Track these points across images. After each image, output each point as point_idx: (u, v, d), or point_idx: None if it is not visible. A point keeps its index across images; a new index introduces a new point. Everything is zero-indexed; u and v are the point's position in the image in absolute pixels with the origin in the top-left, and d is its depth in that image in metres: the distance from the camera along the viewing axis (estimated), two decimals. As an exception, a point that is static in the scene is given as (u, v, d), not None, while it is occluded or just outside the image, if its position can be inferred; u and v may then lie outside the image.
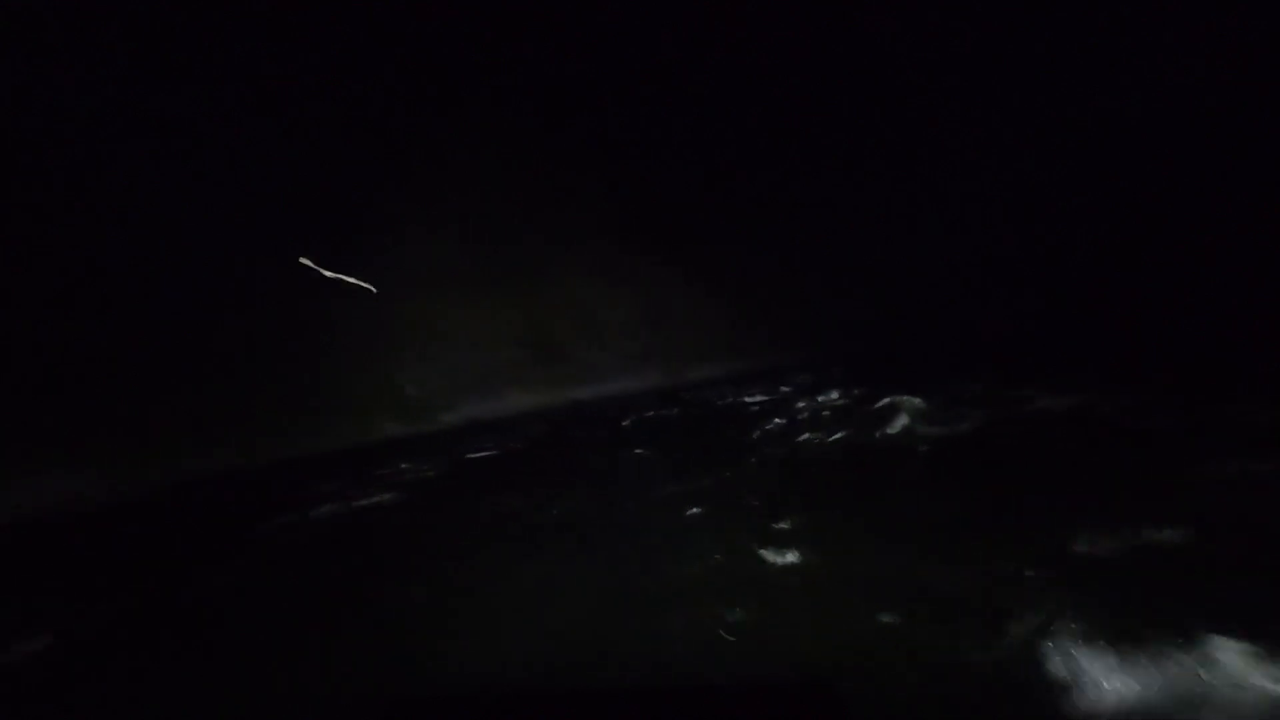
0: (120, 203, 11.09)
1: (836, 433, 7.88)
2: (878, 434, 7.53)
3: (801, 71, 15.88)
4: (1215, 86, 16.03)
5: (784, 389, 12.93)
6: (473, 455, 10.65)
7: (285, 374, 13.06)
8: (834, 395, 10.80)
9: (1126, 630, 2.82)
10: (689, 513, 5.48)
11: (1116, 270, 17.26)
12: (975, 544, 4.02)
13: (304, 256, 12.66)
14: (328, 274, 13.78)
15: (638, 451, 8.61)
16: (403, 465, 10.31)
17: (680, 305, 16.41)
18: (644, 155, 15.87)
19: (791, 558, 4.30)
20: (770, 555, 4.35)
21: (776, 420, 9.25)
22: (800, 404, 10.44)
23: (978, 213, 18.58)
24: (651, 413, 12.58)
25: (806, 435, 7.98)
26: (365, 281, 13.23)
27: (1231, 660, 2.57)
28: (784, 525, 4.83)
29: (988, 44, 16.56)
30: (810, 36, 15.51)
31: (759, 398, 12.12)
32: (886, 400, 8.82)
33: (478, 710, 1.64)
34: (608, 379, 15.14)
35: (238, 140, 11.89)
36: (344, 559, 6.03)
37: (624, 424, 11.75)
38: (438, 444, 12.42)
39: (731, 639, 3.28)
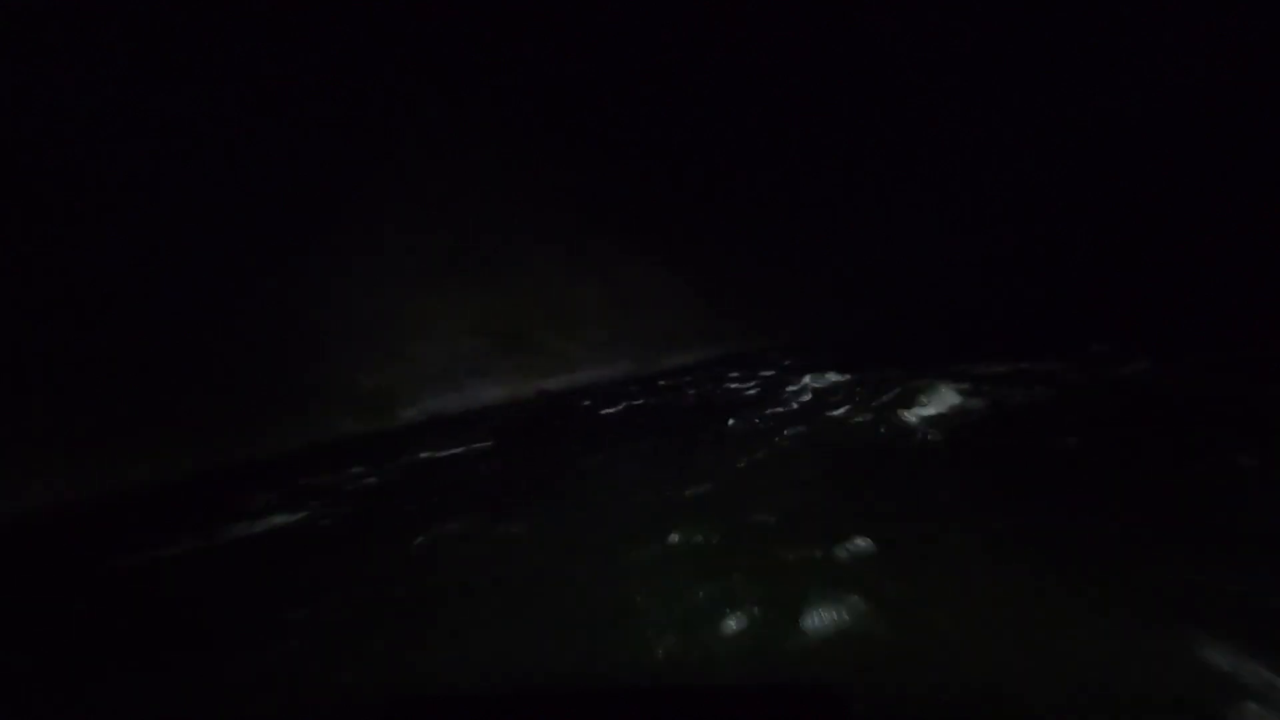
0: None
1: (849, 420, 7.04)
2: (896, 423, 6.62)
3: (775, 55, 15.41)
4: (1215, 86, 15.81)
5: (765, 373, 12.02)
6: (432, 456, 9.46)
7: (228, 369, 12.10)
8: (830, 378, 10.01)
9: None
10: (691, 542, 4.09)
11: (1114, 263, 16.96)
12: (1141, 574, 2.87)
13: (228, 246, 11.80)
14: None
15: (622, 449, 7.68)
16: (353, 469, 8.97)
17: (651, 290, 15.76)
18: (609, 138, 15.15)
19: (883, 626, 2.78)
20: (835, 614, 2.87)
21: (772, 409, 8.47)
22: (792, 388, 9.73)
23: (965, 196, 18.45)
24: (627, 403, 11.48)
25: (804, 427, 7.09)
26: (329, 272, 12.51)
27: None
28: (842, 553, 3.47)
29: (958, 24, 16.50)
30: (783, 22, 15.01)
31: (751, 386, 11.12)
32: (897, 389, 7.92)
33: (478, 711, 1.63)
34: (578, 368, 14.46)
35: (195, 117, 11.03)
36: (217, 601, 4.73)
37: (603, 413, 10.71)
38: (397, 442, 11.52)
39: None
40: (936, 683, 2.41)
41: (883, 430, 6.37)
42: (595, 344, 15.12)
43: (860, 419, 6.98)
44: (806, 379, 10.34)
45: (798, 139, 17.27)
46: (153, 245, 11.46)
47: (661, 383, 13.81)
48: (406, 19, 12.89)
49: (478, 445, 10.17)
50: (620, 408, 11.35)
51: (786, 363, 13.35)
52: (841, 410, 7.64)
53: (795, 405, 8.68)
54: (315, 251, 13.24)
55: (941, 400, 7.02)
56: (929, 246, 18.59)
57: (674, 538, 4.22)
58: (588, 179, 15.12)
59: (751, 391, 10.58)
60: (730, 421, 8.12)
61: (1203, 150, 16.46)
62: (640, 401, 11.68)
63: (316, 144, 13.04)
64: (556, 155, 15.43)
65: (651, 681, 2.83)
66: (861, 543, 3.62)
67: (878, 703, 2.36)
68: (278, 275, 13.21)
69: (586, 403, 12.00)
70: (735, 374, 12.81)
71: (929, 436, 5.96)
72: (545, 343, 14.80)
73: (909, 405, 7.04)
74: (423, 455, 9.70)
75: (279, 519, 6.99)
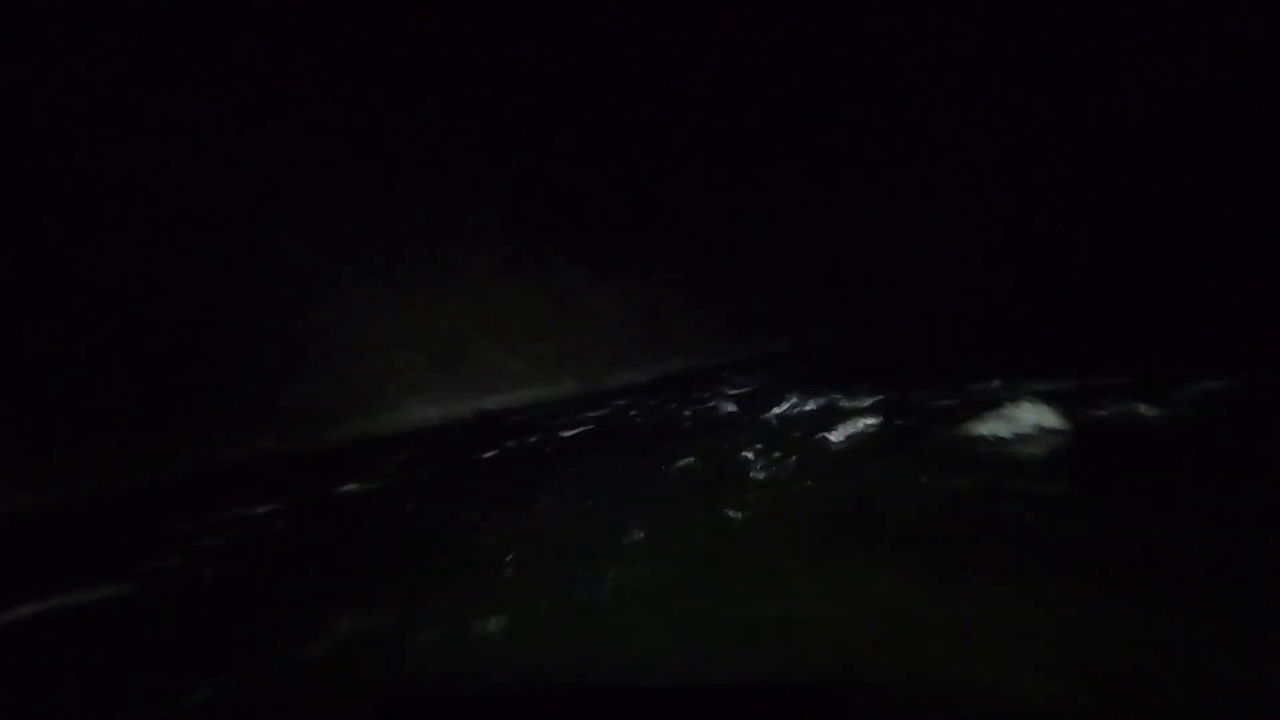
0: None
1: (873, 460, 5.51)
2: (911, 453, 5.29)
3: (719, 51, 14.83)
4: (1216, 86, 15.69)
5: (732, 392, 10.83)
6: (354, 490, 8.33)
7: (135, 381, 10.98)
8: (797, 402, 8.79)
9: None
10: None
11: (1110, 266, 16.77)
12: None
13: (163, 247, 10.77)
14: None
15: (569, 493, 6.28)
16: (258, 508, 7.77)
17: (597, 302, 15.17)
18: (552, 139, 14.37)
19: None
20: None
21: (741, 437, 7.22)
22: (765, 416, 8.34)
23: (953, 199, 18.19)
24: (576, 430, 10.21)
25: (794, 459, 5.80)
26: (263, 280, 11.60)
27: None
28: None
29: (938, 20, 16.29)
30: (744, 18, 14.56)
31: (726, 405, 9.93)
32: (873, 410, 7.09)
33: (478, 711, 1.61)
34: (519, 385, 13.75)
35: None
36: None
37: (548, 443, 9.53)
38: (320, 468, 10.53)
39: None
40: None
41: (924, 480, 4.59)
42: (539, 359, 14.40)
43: (880, 461, 5.40)
44: (785, 403, 8.99)
45: (765, 141, 16.53)
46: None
47: (615, 403, 12.24)
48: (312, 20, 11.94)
49: (397, 476, 8.73)
50: (570, 435, 9.92)
51: (741, 382, 11.94)
52: (843, 441, 6.31)
53: (765, 433, 7.42)
54: (233, 254, 12.11)
55: (1021, 421, 5.36)
56: (914, 252, 18.17)
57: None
58: (529, 183, 14.33)
59: (727, 410, 9.45)
60: (688, 460, 6.69)
61: (1203, 150, 16.30)
62: (590, 427, 10.31)
63: (230, 151, 11.94)
64: (497, 159, 14.62)
65: (651, 682, 2.78)
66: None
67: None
68: (191, 278, 12.05)
69: (532, 438, 10.30)
70: (705, 393, 11.46)
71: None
72: (485, 358, 13.99)
73: (963, 426, 5.65)
74: (343, 489, 8.41)
75: (106, 590, 5.23)
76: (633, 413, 10.94)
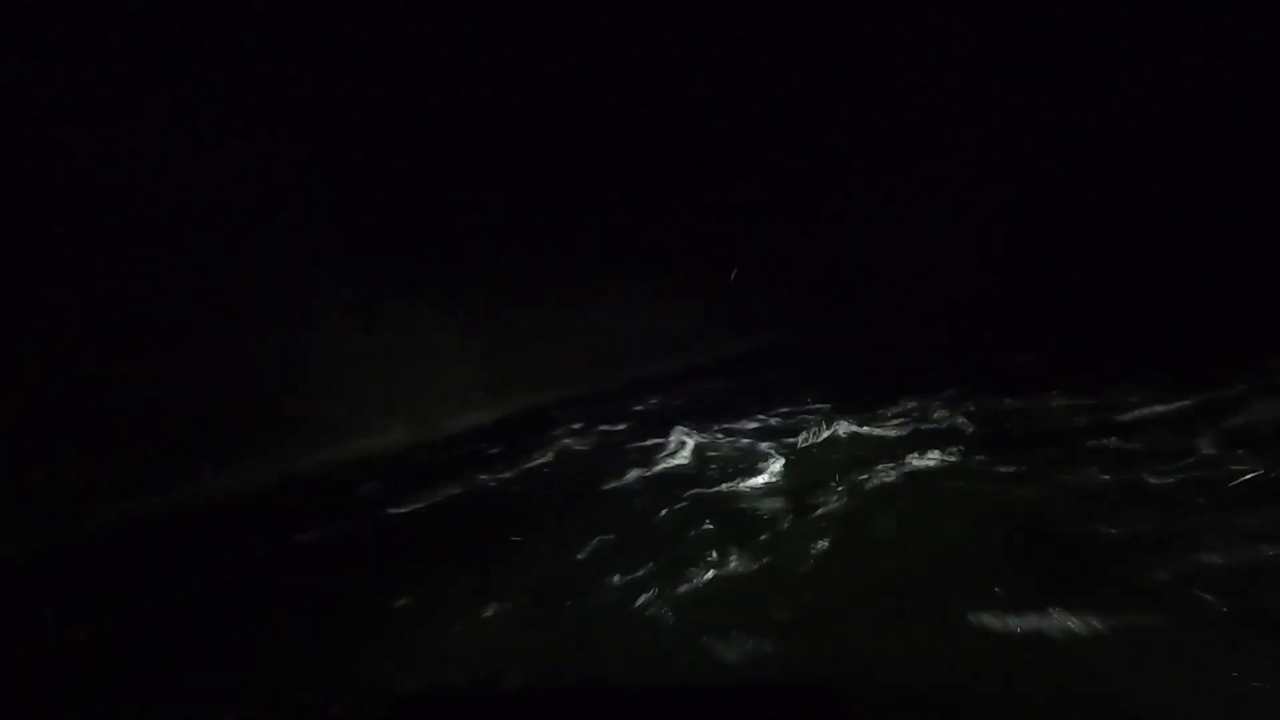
0: None
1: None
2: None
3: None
4: (1215, 86, 15.54)
5: (603, 429, 9.34)
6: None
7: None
8: (682, 440, 7.47)
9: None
10: None
11: (1109, 268, 16.75)
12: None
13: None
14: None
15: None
16: None
17: (427, 337, 13.70)
18: (364, 151, 12.64)
19: None
20: None
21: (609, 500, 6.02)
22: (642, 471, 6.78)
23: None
24: (417, 498, 7.40)
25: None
26: None
27: None
28: None
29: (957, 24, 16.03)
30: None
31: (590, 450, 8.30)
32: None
33: (478, 711, 1.67)
34: (341, 438, 11.95)
35: None
36: None
37: (389, 512, 7.03)
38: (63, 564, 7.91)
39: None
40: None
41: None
42: (364, 406, 12.50)
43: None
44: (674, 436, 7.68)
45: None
46: None
47: (455, 451, 9.81)
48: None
49: (169, 591, 5.81)
50: (405, 510, 7.27)
51: (600, 420, 10.19)
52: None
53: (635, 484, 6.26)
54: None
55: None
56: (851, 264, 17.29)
57: None
58: (338, 200, 12.20)
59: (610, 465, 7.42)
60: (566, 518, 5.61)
61: (1203, 150, 16.23)
62: (442, 486, 7.63)
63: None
64: (306, 170, 12.24)
65: (651, 683, 2.78)
66: None
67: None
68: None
69: (355, 489, 8.34)
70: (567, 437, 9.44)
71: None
72: (293, 408, 11.74)
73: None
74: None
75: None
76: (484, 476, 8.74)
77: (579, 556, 4.90)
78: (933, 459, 5.65)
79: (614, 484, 6.76)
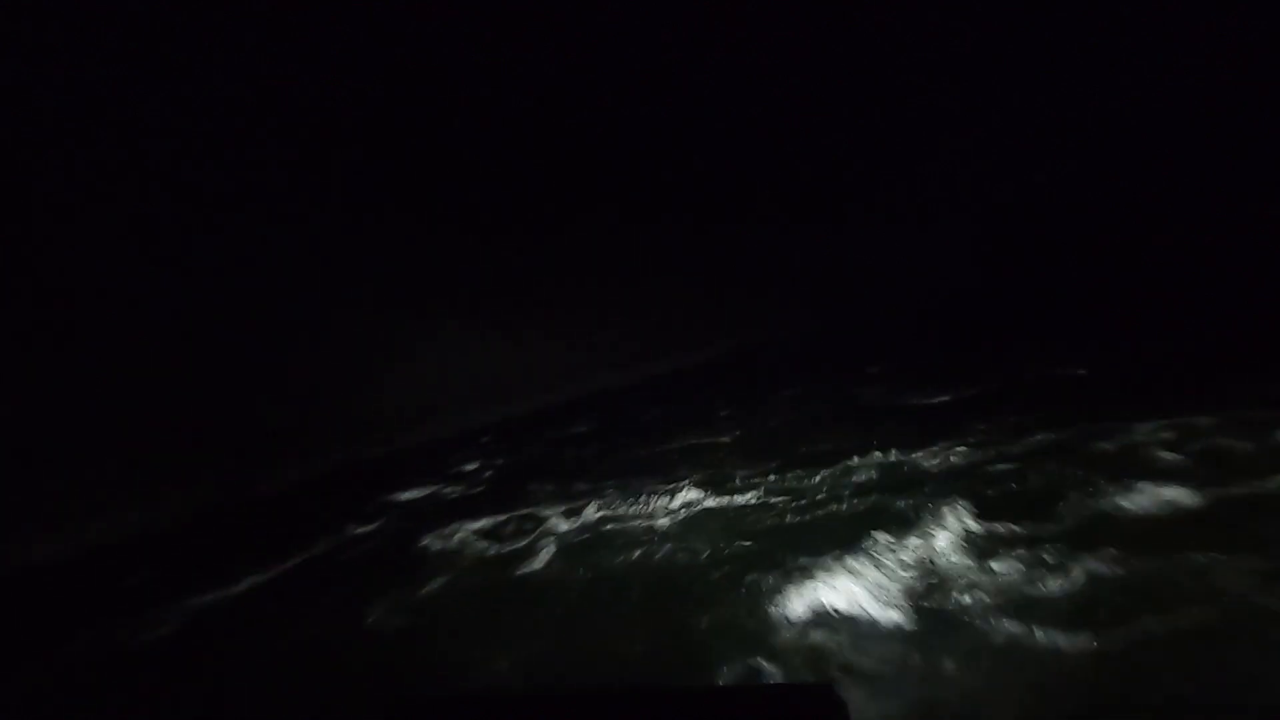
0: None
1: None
2: None
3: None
4: (1215, 86, 15.46)
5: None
6: None
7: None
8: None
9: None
10: None
11: (1112, 264, 16.45)
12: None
13: None
14: None
15: None
16: None
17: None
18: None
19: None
20: None
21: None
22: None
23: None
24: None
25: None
26: None
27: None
28: None
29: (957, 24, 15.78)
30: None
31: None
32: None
33: (478, 711, 1.59)
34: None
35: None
36: None
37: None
38: None
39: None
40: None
41: None
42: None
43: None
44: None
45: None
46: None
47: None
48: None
49: None
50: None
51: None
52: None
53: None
54: None
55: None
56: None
57: None
58: None
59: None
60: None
61: (1203, 150, 16.14)
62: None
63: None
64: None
65: (651, 682, 2.76)
66: None
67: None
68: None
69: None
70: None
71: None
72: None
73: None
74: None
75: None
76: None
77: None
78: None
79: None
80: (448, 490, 7.72)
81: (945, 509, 4.30)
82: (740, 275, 16.02)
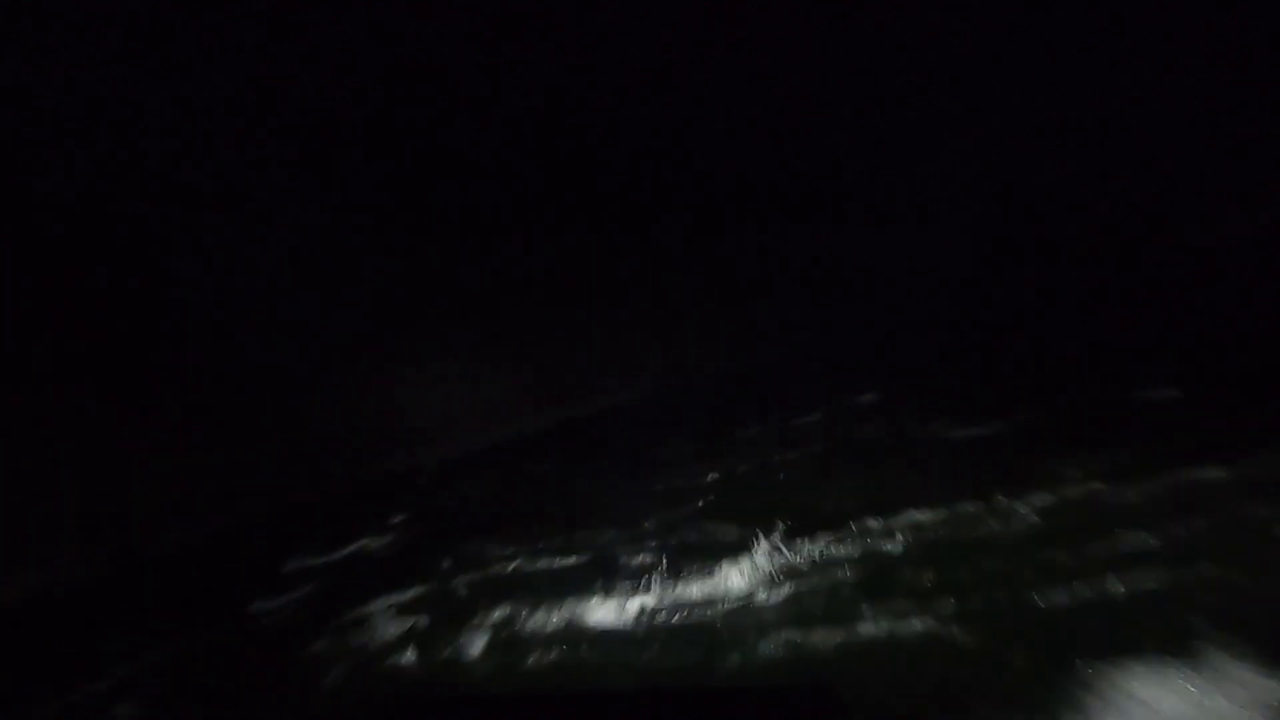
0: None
1: None
2: None
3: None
4: (1215, 86, 15.43)
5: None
6: None
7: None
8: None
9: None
10: None
11: (1111, 265, 16.47)
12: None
13: None
14: None
15: None
16: None
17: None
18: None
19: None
20: None
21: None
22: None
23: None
24: None
25: None
26: None
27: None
28: None
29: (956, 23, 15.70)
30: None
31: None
32: None
33: (478, 711, 1.65)
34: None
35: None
36: None
37: None
38: None
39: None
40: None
41: None
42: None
43: None
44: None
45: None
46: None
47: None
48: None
49: None
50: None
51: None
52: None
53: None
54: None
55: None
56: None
57: None
58: None
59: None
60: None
61: (1203, 150, 16.12)
62: None
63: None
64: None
65: (651, 682, 2.67)
66: None
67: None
68: None
69: None
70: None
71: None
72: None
73: None
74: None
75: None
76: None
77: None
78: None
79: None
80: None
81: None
82: (740, 276, 15.82)
